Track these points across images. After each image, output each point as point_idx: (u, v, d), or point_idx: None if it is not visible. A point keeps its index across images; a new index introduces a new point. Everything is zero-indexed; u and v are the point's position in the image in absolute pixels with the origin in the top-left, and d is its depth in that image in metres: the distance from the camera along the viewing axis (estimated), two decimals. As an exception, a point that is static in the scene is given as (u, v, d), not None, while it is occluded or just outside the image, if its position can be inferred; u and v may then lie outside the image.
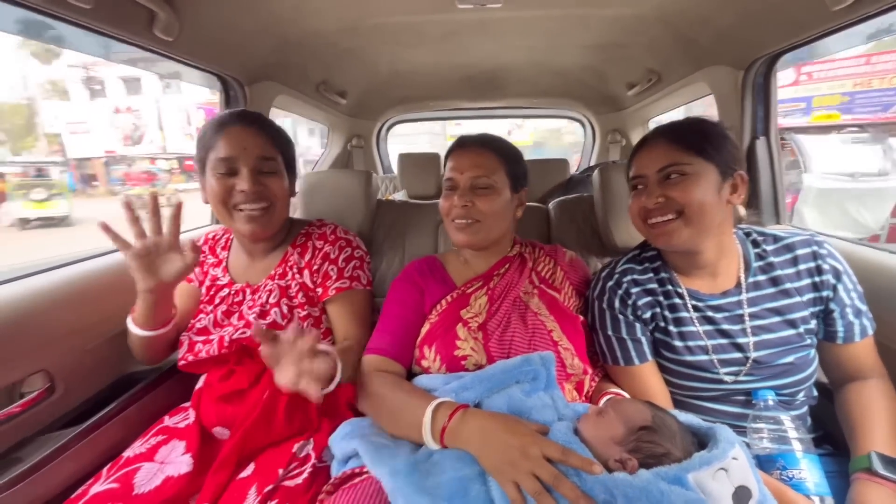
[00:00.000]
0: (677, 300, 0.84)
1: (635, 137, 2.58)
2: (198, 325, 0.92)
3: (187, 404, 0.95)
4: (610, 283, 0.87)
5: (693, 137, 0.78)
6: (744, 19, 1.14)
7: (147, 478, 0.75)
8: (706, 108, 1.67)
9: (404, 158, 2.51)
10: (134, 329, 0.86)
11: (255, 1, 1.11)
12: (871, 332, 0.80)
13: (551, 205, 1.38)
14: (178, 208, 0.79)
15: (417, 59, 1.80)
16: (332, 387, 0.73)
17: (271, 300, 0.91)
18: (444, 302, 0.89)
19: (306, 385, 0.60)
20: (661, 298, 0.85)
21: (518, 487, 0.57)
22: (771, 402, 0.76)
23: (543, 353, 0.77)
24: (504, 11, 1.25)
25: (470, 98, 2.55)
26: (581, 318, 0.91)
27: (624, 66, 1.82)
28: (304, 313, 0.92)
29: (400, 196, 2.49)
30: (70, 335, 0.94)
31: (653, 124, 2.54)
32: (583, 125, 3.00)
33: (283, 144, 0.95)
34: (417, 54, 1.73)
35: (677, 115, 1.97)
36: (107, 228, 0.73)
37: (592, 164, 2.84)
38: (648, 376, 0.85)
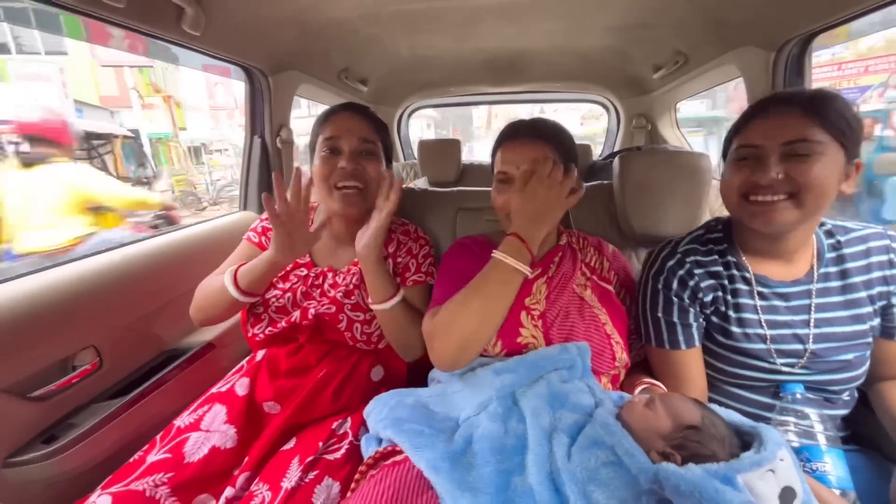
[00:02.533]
0: (741, 285, 0.80)
1: (661, 122, 2.50)
2: (275, 303, 0.97)
3: (235, 372, 0.99)
4: (671, 263, 0.83)
5: (833, 112, 0.68)
6: None
7: (195, 447, 0.80)
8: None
9: (424, 145, 2.52)
10: (234, 293, 0.90)
11: None
12: None
13: None
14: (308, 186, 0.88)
15: (438, 44, 1.79)
16: (389, 304, 0.91)
17: (354, 282, 0.97)
18: None
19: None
20: (724, 282, 0.81)
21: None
22: (799, 396, 0.75)
23: (580, 344, 0.78)
24: None
25: (492, 83, 2.52)
26: (625, 307, 0.91)
27: (650, 47, 1.76)
28: None
29: (420, 183, 2.51)
30: (115, 314, 1.02)
31: (681, 107, 2.46)
32: (607, 110, 2.92)
33: (383, 133, 1.02)
34: (438, 40, 1.72)
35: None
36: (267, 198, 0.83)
37: (616, 150, 2.77)
38: (690, 363, 0.83)
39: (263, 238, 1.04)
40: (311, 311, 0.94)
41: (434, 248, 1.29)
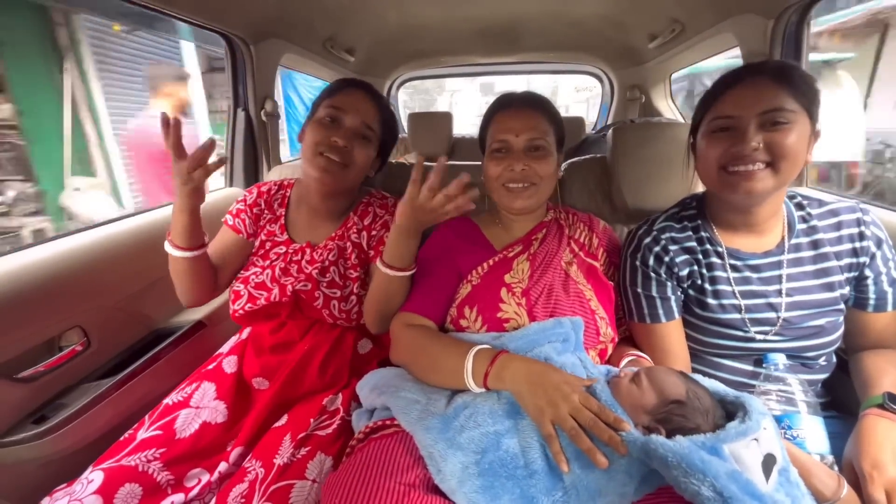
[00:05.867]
0: (715, 259, 0.83)
1: (655, 94, 2.46)
2: (255, 280, 0.96)
3: (222, 351, 1.00)
4: (647, 240, 0.86)
5: (801, 81, 0.71)
6: None
7: (186, 422, 0.81)
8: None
9: (414, 118, 2.46)
10: (175, 252, 0.86)
11: None
12: None
13: (563, 166, 1.35)
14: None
15: (428, 12, 1.71)
16: (403, 274, 0.84)
17: (330, 258, 0.96)
18: (485, 265, 0.89)
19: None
20: (699, 257, 0.83)
21: (553, 426, 0.60)
22: (781, 366, 0.77)
23: (574, 318, 0.79)
24: None
25: (483, 53, 2.44)
26: (612, 284, 0.92)
27: (646, 15, 1.70)
28: (356, 274, 0.97)
29: (411, 158, 2.47)
30: (100, 294, 0.99)
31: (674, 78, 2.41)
32: (601, 81, 2.86)
33: (386, 126, 1.00)
34: (428, 7, 1.65)
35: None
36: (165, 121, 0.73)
37: (609, 122, 2.74)
38: (671, 335, 0.85)
39: (237, 220, 1.01)
40: (289, 287, 0.93)
41: None
